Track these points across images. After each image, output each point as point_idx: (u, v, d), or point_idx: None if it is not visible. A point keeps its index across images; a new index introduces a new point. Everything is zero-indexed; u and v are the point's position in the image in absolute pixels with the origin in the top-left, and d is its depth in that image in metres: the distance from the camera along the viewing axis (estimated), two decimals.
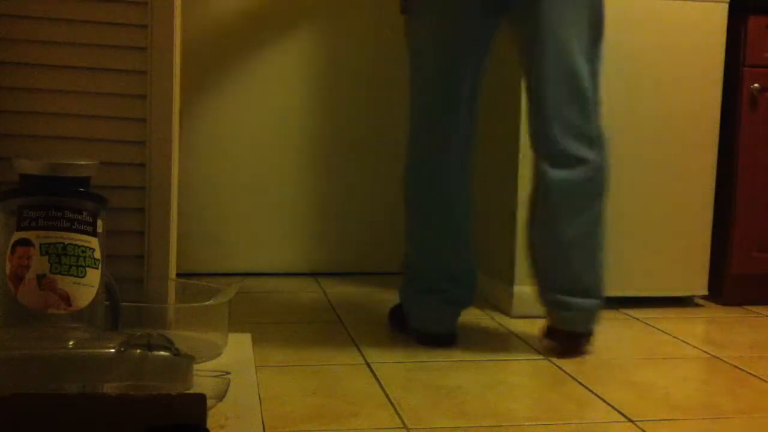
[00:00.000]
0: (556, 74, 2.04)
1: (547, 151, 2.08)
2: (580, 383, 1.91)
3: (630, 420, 1.69)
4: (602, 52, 2.15)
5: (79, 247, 1.57)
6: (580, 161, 2.06)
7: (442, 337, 2.17)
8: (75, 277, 1.56)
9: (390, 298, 2.55)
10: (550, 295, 2.14)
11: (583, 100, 2.06)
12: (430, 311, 2.19)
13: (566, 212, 2.09)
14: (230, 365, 1.78)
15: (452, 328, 2.20)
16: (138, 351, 1.45)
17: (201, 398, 1.37)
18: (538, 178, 2.11)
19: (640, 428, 1.65)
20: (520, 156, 2.51)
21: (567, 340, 2.12)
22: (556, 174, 2.07)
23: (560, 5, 2.03)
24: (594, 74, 2.11)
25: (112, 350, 1.45)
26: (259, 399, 1.70)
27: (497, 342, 2.24)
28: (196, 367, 1.51)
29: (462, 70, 2.15)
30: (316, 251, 3.08)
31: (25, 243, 1.55)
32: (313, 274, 3.04)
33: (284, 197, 3.05)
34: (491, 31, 2.16)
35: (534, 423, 1.66)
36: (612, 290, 2.62)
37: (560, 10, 2.03)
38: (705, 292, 2.70)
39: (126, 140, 1.95)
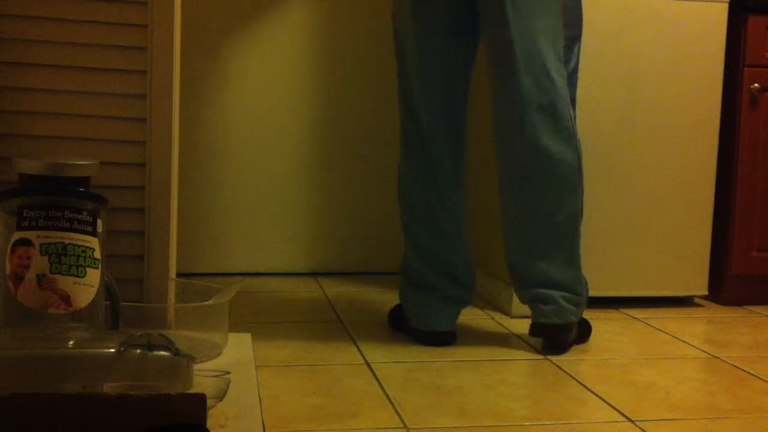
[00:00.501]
0: (528, 74, 2.03)
1: (519, 155, 2.08)
2: (580, 383, 1.91)
3: (630, 420, 1.69)
4: (580, 51, 2.15)
5: (79, 246, 1.57)
6: (554, 162, 2.06)
7: (441, 335, 2.17)
8: (75, 276, 1.56)
9: (390, 298, 2.55)
10: (527, 291, 2.15)
11: (556, 101, 2.05)
12: (428, 310, 2.19)
13: (542, 212, 2.10)
14: (230, 365, 1.78)
15: (452, 327, 2.20)
16: (138, 351, 1.45)
17: (201, 398, 1.37)
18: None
19: (640, 428, 1.65)
20: None
21: (548, 333, 2.13)
22: (529, 176, 2.07)
23: (531, 4, 2.02)
24: (571, 72, 2.12)
25: (112, 350, 1.45)
26: (259, 399, 1.70)
27: (497, 342, 2.24)
28: (196, 367, 1.51)
29: (445, 62, 2.14)
30: (317, 251, 3.08)
31: (25, 243, 1.55)
32: (313, 274, 3.04)
33: (284, 197, 3.05)
34: (472, 27, 2.15)
35: (534, 423, 1.66)
36: (612, 290, 2.63)
37: (530, 9, 2.02)
38: (705, 292, 2.70)
39: (126, 140, 1.95)
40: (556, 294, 2.11)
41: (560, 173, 2.08)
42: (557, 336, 2.12)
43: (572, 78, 2.14)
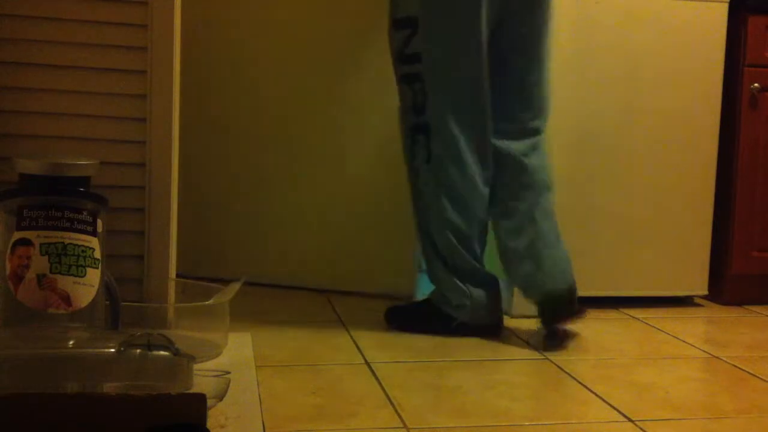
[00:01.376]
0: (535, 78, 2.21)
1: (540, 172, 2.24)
2: (580, 383, 1.91)
3: (630, 420, 1.69)
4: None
5: (79, 246, 1.57)
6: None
7: (494, 326, 2.28)
8: (75, 276, 1.56)
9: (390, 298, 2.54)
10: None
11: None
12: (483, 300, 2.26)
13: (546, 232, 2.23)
14: (230, 365, 1.78)
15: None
16: (138, 351, 1.45)
17: (201, 398, 1.37)
18: (510, 172, 2.23)
19: (640, 428, 1.65)
20: None
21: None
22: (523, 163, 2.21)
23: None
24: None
25: (112, 350, 1.45)
26: (259, 399, 1.70)
27: (497, 342, 2.24)
28: (196, 367, 1.52)
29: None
30: (322, 266, 2.93)
31: (25, 243, 1.55)
32: (320, 291, 2.90)
33: (286, 205, 3.00)
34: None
35: (534, 423, 1.66)
36: (612, 290, 2.63)
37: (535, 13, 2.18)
38: (705, 292, 2.70)
39: (126, 140, 1.95)
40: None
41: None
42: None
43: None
